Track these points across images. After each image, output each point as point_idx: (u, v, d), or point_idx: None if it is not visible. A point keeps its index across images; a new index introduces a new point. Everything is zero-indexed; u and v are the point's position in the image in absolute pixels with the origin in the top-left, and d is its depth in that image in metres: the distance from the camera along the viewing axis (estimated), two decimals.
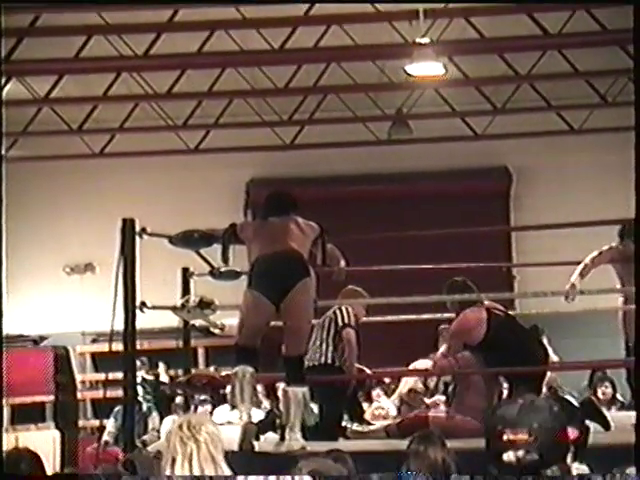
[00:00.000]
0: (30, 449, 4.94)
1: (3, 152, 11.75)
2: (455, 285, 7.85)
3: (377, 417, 10.43)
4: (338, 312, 7.86)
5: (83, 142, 15.95)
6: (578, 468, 4.95)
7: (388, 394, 11.49)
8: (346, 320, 7.82)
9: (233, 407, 6.86)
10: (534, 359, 7.64)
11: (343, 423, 7.97)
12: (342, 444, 7.36)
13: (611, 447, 6.00)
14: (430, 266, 8.88)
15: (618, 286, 8.31)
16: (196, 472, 4.04)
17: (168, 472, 4.09)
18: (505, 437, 4.27)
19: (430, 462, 4.73)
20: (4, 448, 5.19)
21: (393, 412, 10.58)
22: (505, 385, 8.05)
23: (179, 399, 11.47)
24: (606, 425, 7.56)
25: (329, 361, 7.72)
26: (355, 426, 8.09)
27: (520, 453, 4.14)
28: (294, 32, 12.58)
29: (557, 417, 4.16)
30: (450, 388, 7.96)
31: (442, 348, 7.99)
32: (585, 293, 8.19)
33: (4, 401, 13.87)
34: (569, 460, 4.49)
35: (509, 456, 4.17)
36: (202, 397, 11.83)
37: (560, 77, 14.42)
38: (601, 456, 5.53)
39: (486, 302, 7.81)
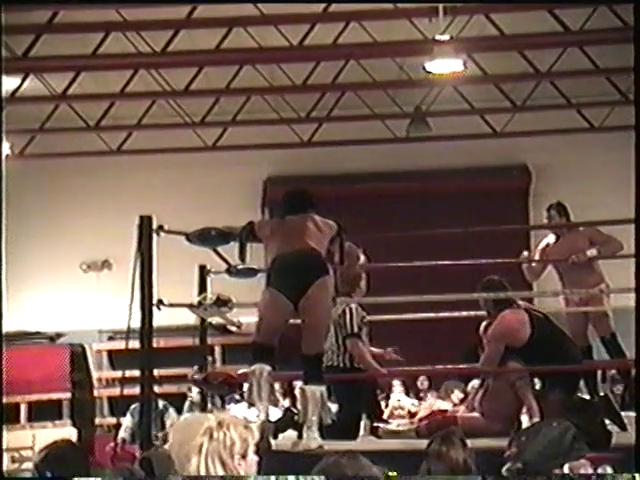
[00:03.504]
0: (72, 441, 4.92)
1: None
2: (491, 284, 7.65)
3: (395, 416, 10.40)
4: (346, 315, 7.71)
5: (101, 139, 15.95)
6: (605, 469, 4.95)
7: (409, 392, 11.45)
8: (349, 328, 7.68)
9: (250, 405, 6.80)
10: (574, 360, 7.51)
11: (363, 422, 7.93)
12: (360, 443, 7.32)
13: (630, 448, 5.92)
14: (449, 262, 8.80)
15: None
16: (202, 470, 3.96)
17: (186, 466, 4.04)
18: (507, 453, 4.38)
19: (452, 463, 4.68)
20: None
21: (413, 409, 10.54)
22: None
23: (196, 397, 11.44)
24: (622, 425, 7.47)
25: (346, 364, 7.67)
26: (389, 425, 8.08)
27: (509, 464, 4.25)
28: (313, 29, 12.53)
29: (555, 432, 4.20)
30: (480, 393, 7.80)
31: (482, 358, 7.74)
32: (605, 292, 8.17)
33: (21, 398, 13.91)
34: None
35: (503, 469, 4.29)
36: (236, 396, 11.84)
37: (580, 74, 14.32)
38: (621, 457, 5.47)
39: (520, 302, 7.70)
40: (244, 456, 4.00)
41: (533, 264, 9.05)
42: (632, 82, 14.13)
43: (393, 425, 8.63)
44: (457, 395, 10.57)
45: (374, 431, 7.82)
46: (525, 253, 9.21)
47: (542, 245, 9.16)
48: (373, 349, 7.98)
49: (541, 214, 15.74)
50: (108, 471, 5.23)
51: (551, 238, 9.08)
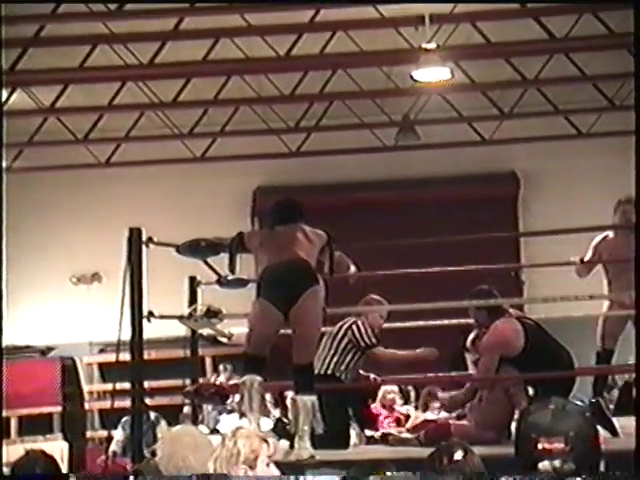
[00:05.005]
0: (44, 451, 5.03)
1: (4, 163, 11.69)
2: (481, 294, 7.65)
3: (388, 415, 10.40)
4: (356, 329, 7.85)
5: (89, 152, 15.93)
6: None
7: (408, 401, 11.42)
8: (371, 339, 7.91)
9: (242, 416, 6.81)
10: (567, 367, 7.51)
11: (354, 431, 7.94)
12: (351, 452, 7.31)
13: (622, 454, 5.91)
14: (438, 269, 8.79)
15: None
16: (211, 470, 4.17)
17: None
18: (540, 446, 4.01)
19: (464, 473, 4.50)
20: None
21: (411, 415, 10.52)
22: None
23: (187, 409, 11.41)
24: (613, 431, 7.47)
25: (329, 372, 7.73)
26: (399, 433, 8.19)
27: (557, 462, 3.94)
28: (299, 39, 12.54)
29: (590, 424, 4.01)
30: (475, 400, 7.79)
31: (477, 369, 7.73)
32: (595, 298, 8.16)
33: (12, 412, 13.86)
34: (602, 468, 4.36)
35: (545, 465, 3.95)
36: (228, 407, 11.82)
37: (567, 81, 14.36)
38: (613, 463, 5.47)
39: (511, 310, 7.70)
40: (252, 467, 4.15)
41: (585, 259, 8.79)
42: (618, 88, 14.28)
43: (378, 433, 8.68)
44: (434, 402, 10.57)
45: (384, 438, 7.90)
46: (573, 258, 8.87)
47: (598, 239, 8.82)
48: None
49: (530, 221, 15.91)
50: None
51: (610, 232, 8.81)
